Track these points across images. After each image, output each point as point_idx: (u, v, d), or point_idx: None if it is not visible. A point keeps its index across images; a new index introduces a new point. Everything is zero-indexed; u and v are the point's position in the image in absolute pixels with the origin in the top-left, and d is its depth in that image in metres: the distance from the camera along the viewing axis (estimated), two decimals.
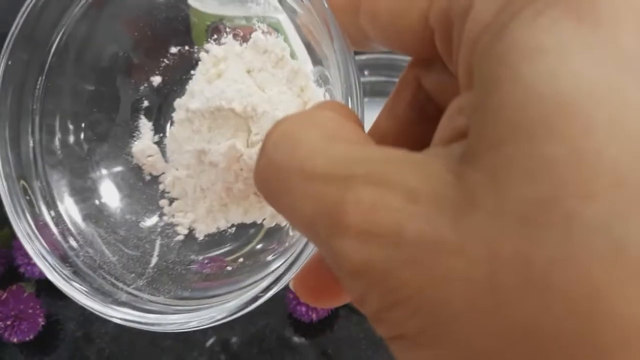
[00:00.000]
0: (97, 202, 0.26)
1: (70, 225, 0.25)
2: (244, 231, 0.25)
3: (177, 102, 0.25)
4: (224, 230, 0.25)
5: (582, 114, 0.09)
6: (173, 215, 0.25)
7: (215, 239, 0.25)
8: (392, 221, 0.11)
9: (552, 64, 0.10)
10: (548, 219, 0.09)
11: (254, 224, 0.24)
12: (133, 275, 0.24)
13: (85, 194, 0.26)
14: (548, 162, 0.09)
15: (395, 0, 0.14)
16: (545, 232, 0.09)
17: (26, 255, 0.44)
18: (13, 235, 0.39)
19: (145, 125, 0.26)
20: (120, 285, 0.24)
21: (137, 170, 0.26)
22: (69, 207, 0.25)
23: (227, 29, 0.31)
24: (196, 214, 0.25)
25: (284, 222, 0.24)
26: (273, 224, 0.24)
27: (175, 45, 0.27)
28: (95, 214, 0.25)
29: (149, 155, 0.26)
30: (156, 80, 0.27)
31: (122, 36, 0.26)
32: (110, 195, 0.26)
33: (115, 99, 0.26)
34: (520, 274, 0.09)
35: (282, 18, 0.38)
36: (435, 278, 0.10)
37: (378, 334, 0.12)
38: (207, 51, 0.26)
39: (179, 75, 0.26)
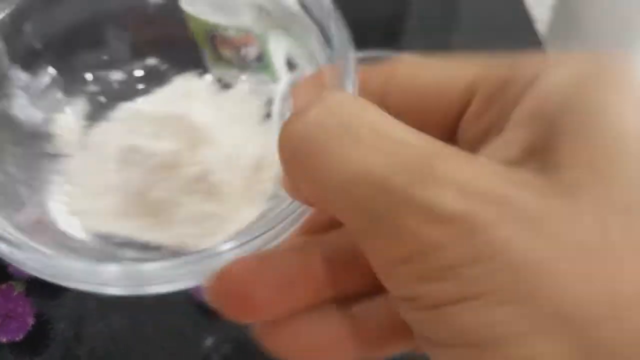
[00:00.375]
0: None
1: None
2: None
3: (124, 105, 0.24)
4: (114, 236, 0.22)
5: None
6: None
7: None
8: (499, 188, 0.11)
9: None
10: None
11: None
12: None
13: None
14: None
15: (437, 72, 0.16)
16: None
17: None
18: None
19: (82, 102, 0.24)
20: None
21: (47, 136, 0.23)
22: None
23: (221, 40, 0.30)
24: (85, 207, 0.22)
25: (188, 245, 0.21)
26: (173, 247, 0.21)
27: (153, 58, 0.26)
28: None
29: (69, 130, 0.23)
30: (117, 75, 0.25)
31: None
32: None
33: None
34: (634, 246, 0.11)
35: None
36: (540, 239, 0.11)
37: (438, 295, 0.11)
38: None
39: (144, 85, 0.25)
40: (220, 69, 0.51)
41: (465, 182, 0.12)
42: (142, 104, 0.24)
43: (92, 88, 0.24)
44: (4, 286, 0.42)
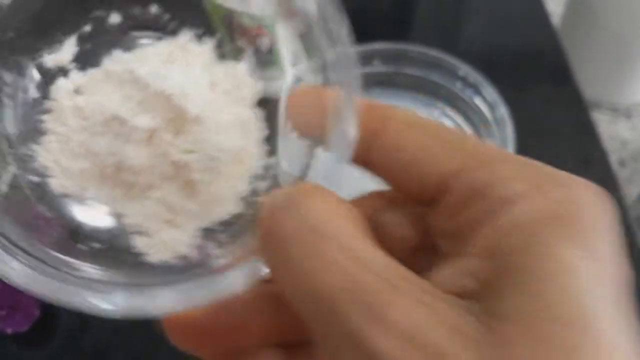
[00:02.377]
0: None
1: None
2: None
3: (116, 54, 0.23)
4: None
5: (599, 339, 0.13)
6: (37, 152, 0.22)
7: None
8: (440, 342, 0.12)
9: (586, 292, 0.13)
10: None
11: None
12: None
13: None
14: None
15: (421, 148, 0.16)
16: None
17: None
18: None
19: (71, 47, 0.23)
20: None
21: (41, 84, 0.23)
22: None
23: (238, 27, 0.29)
24: (66, 166, 0.22)
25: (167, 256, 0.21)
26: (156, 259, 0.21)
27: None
28: None
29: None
30: (114, 17, 0.24)
31: None
32: None
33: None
34: None
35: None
36: None
37: None
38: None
39: (139, 32, 0.24)
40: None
41: (409, 331, 0.12)
42: (137, 62, 0.23)
43: (86, 29, 0.24)
44: None
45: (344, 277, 0.13)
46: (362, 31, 0.61)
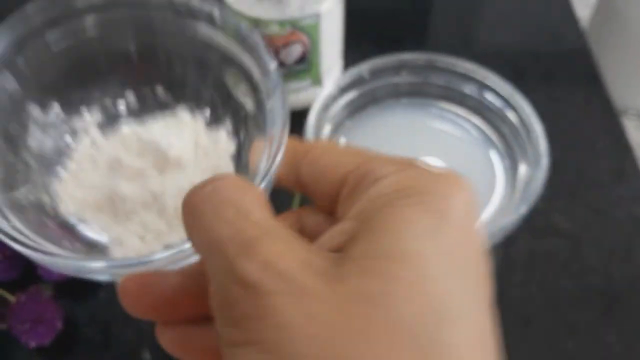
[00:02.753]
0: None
1: None
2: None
3: (127, 121, 0.33)
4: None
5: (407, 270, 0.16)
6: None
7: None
8: (291, 269, 0.16)
9: (411, 245, 0.17)
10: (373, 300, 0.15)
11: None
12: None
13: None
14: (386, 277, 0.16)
15: (332, 158, 0.21)
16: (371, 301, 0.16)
17: None
18: None
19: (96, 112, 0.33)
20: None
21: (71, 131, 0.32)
22: None
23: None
24: (75, 195, 0.31)
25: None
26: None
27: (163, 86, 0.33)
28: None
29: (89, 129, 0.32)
30: (128, 94, 0.33)
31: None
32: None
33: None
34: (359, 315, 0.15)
35: (325, 8, 0.45)
36: (302, 312, 0.15)
37: (233, 337, 0.16)
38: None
39: (150, 108, 0.33)
40: None
41: (272, 261, 0.16)
42: (142, 126, 0.32)
43: (108, 103, 0.33)
44: (32, 289, 0.42)
45: (232, 228, 0.17)
46: (385, 35, 0.59)
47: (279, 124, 0.25)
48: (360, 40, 0.58)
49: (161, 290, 0.21)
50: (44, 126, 0.31)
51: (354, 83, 0.47)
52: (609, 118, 0.54)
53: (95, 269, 0.24)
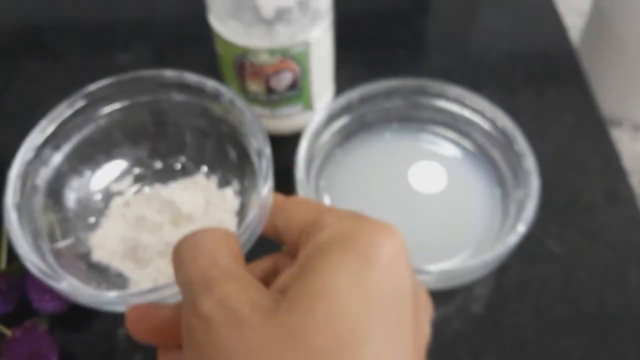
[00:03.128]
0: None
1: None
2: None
3: (154, 185, 0.40)
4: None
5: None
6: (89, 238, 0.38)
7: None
8: (239, 305, 0.20)
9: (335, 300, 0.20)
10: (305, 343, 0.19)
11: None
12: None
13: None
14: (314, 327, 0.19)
15: (298, 211, 0.25)
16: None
17: (39, 290, 0.43)
18: (24, 270, 0.38)
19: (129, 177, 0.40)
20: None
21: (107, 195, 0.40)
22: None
23: (252, 67, 0.43)
24: (105, 245, 0.37)
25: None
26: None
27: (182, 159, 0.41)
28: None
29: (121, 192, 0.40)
30: (157, 164, 0.41)
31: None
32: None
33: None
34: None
35: (314, 36, 0.47)
36: (241, 341, 0.19)
37: (186, 355, 0.21)
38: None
39: (173, 174, 0.40)
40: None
41: (224, 299, 0.20)
42: (164, 189, 0.40)
43: (138, 172, 0.40)
44: (27, 323, 0.42)
45: (200, 271, 0.21)
46: (378, 58, 0.59)
47: (265, 191, 0.31)
48: (352, 63, 0.59)
49: (158, 319, 0.25)
50: (80, 190, 0.39)
51: (343, 110, 0.47)
52: (602, 139, 0.54)
53: (111, 298, 0.30)
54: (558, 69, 0.60)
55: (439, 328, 0.43)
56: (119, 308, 0.31)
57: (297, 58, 0.46)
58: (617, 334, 0.42)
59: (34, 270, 0.31)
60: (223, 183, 0.40)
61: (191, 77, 0.37)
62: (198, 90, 0.38)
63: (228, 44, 0.46)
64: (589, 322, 0.43)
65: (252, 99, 0.50)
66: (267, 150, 0.34)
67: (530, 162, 0.42)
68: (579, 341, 0.42)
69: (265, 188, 0.30)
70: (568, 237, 0.47)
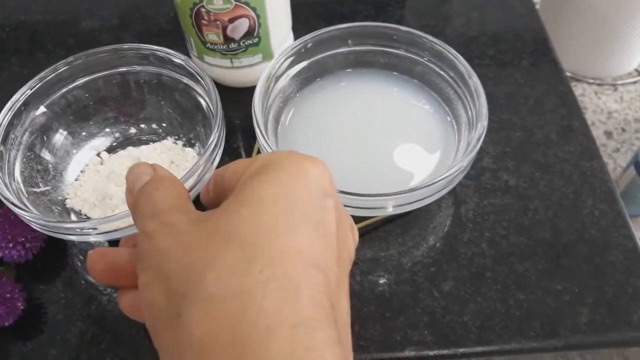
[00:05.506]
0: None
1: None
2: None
3: (129, 148, 0.50)
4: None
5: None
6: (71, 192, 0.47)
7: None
8: (176, 220, 0.23)
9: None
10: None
11: None
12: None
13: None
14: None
15: (237, 164, 0.26)
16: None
17: (4, 239, 0.44)
18: None
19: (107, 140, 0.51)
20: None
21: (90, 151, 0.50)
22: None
23: (208, 15, 0.48)
24: (80, 195, 0.47)
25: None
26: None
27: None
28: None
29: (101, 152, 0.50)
30: (132, 129, 0.51)
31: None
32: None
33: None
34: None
35: None
36: (177, 243, 0.22)
37: (137, 270, 0.23)
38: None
39: (146, 137, 0.51)
40: (208, 57, 0.51)
41: (165, 219, 0.23)
42: (135, 150, 0.49)
43: (115, 134, 0.50)
44: None
45: (150, 201, 0.24)
46: (338, 12, 0.59)
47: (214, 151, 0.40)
48: (313, 18, 0.59)
49: (115, 258, 0.27)
50: (62, 148, 0.48)
51: (299, 55, 0.47)
52: (558, 81, 0.55)
53: (70, 227, 0.38)
54: (519, 26, 0.61)
55: (398, 259, 0.44)
56: (79, 238, 0.39)
57: (251, 3, 0.47)
58: (571, 257, 0.43)
59: (6, 202, 0.37)
60: (187, 145, 0.49)
61: (146, 48, 0.46)
62: (161, 60, 0.46)
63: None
64: (544, 248, 0.44)
65: (211, 49, 0.51)
66: (217, 109, 0.41)
67: (475, 81, 0.42)
68: (534, 265, 0.43)
69: (211, 141, 0.38)
70: (523, 170, 0.48)
